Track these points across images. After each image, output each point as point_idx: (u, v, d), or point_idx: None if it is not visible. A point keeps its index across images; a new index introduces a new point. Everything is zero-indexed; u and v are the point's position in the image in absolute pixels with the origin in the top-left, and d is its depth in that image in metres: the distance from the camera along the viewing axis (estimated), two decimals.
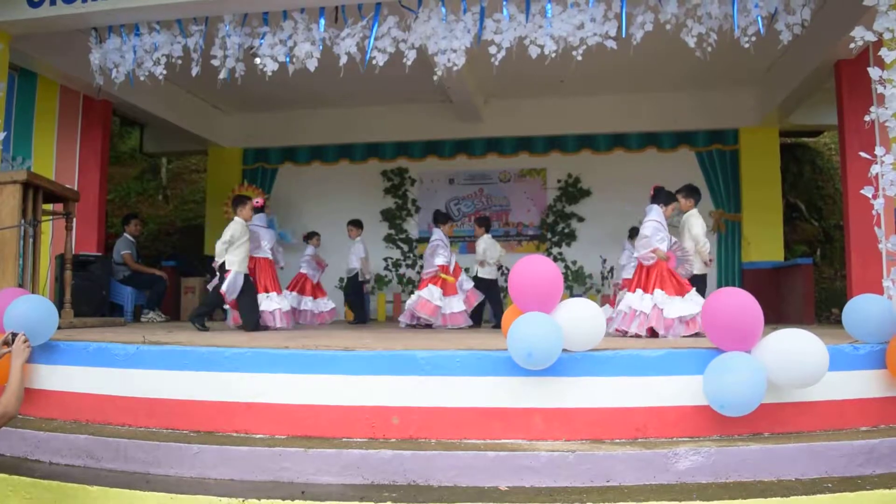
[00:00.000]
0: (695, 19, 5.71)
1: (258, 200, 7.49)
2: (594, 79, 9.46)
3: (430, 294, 7.92)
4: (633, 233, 7.99)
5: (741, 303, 3.95)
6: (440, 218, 8.44)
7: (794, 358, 3.81)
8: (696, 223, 6.49)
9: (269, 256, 7.38)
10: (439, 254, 8.23)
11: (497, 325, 8.00)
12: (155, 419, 4.30)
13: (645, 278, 5.88)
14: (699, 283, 6.29)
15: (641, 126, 10.61)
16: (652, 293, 5.71)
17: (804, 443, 3.75)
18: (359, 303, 9.21)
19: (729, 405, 3.81)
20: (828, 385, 4.00)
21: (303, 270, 9.27)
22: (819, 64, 7.55)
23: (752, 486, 3.54)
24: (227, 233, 6.78)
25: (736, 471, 3.63)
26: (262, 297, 7.07)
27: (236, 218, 6.96)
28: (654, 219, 6.07)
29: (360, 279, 9.17)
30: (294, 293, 8.94)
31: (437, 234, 8.43)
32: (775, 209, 10.18)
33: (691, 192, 6.58)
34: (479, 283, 8.47)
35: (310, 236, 9.58)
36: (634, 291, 5.89)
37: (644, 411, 3.99)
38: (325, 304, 9.16)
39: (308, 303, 9.01)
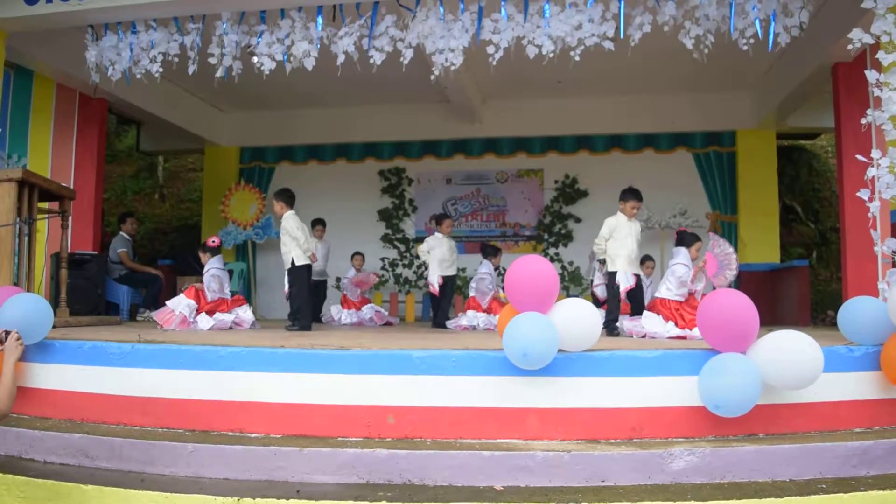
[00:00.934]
0: (693, 21, 5.72)
1: (214, 240, 7.43)
2: (592, 80, 9.47)
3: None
4: None
5: (737, 304, 3.97)
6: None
7: (790, 359, 3.82)
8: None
9: (229, 297, 7.31)
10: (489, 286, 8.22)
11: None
12: (150, 418, 4.29)
13: (686, 312, 5.89)
14: None
15: (639, 127, 10.63)
16: (692, 329, 5.67)
17: (799, 444, 3.76)
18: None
19: (724, 406, 3.82)
20: (823, 386, 4.01)
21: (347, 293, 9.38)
22: (816, 66, 7.57)
23: (747, 486, 3.55)
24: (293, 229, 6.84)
25: (731, 471, 3.64)
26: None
27: (288, 213, 6.97)
28: (682, 262, 6.14)
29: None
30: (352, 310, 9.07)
31: (486, 267, 8.34)
32: (772, 211, 10.21)
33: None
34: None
35: (353, 256, 9.58)
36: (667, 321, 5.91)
37: (639, 412, 3.99)
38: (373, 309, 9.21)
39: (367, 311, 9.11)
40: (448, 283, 8.19)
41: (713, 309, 4.05)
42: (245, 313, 7.12)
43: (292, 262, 6.84)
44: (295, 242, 6.82)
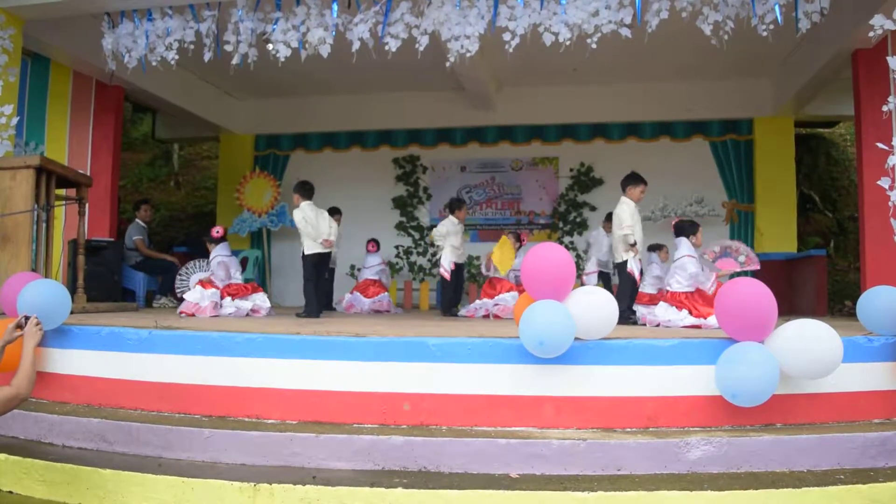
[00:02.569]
0: (711, 7, 5.66)
1: (218, 230, 7.46)
2: (608, 67, 9.40)
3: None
4: (652, 247, 7.96)
5: (756, 293, 3.93)
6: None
7: (808, 348, 3.79)
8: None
9: (241, 281, 7.36)
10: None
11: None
12: (167, 403, 4.33)
13: (697, 302, 5.87)
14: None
15: (655, 115, 10.56)
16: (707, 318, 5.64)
17: (817, 434, 3.74)
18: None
19: (741, 395, 3.79)
20: (841, 377, 3.98)
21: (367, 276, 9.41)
22: (836, 53, 7.47)
23: (764, 476, 3.53)
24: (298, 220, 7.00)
25: (748, 461, 3.63)
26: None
27: (303, 204, 7.05)
28: (687, 254, 6.08)
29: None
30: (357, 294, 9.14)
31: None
32: (789, 200, 10.12)
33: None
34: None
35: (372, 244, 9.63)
36: (681, 311, 5.87)
37: (656, 401, 3.98)
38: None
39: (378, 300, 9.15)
40: (459, 270, 8.18)
41: (731, 297, 4.01)
42: (262, 301, 7.16)
43: (302, 251, 7.04)
44: (303, 233, 7.02)
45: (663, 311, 5.87)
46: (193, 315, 6.54)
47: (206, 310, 6.60)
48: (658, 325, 5.81)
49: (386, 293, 9.25)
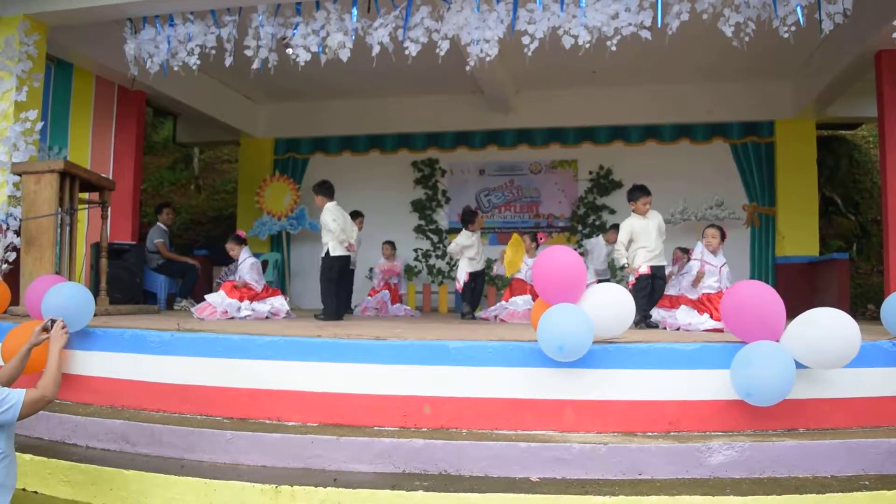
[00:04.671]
0: (732, 8, 5.61)
1: (241, 232, 7.54)
2: (627, 70, 9.36)
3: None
4: (681, 251, 7.94)
5: (759, 294, 3.95)
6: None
7: (822, 335, 3.77)
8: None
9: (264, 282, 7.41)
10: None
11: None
12: (189, 405, 4.37)
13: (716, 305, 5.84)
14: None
15: (675, 118, 10.49)
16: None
17: (840, 439, 3.71)
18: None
19: (756, 393, 3.76)
20: (865, 381, 3.95)
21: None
22: (859, 54, 7.39)
23: (787, 482, 3.51)
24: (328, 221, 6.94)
25: (770, 466, 3.60)
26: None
27: (328, 204, 7.04)
28: (696, 258, 6.20)
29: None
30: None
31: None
32: (811, 203, 10.02)
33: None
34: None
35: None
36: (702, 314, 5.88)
37: (677, 405, 3.97)
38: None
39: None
40: (477, 277, 8.21)
41: (734, 302, 4.05)
42: (280, 304, 7.19)
43: (327, 252, 6.95)
44: (331, 234, 6.91)
45: (684, 315, 5.84)
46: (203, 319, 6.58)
47: (215, 315, 6.62)
48: (678, 329, 5.77)
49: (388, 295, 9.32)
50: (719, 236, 6.22)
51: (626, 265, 6.25)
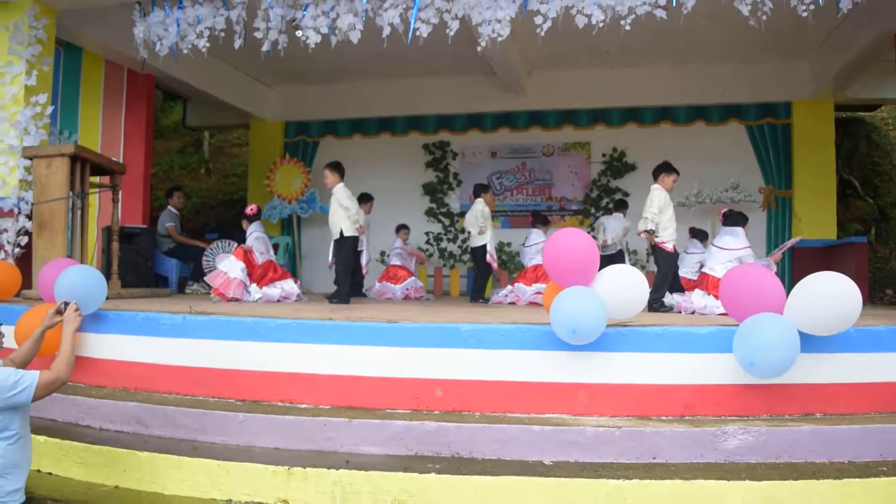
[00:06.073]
0: None
1: (252, 208, 7.64)
2: (641, 50, 9.28)
3: None
4: (695, 233, 7.84)
5: (759, 278, 3.96)
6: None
7: (823, 304, 3.72)
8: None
9: (274, 258, 7.47)
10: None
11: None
12: (202, 387, 4.40)
13: None
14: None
15: (689, 99, 10.38)
16: None
17: (858, 425, 3.68)
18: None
19: (759, 363, 3.71)
20: (883, 366, 3.92)
21: (393, 263, 9.47)
22: (878, 34, 7.30)
23: (804, 467, 3.50)
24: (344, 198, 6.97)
25: (787, 451, 3.59)
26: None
27: (340, 184, 7.07)
28: (747, 245, 6.18)
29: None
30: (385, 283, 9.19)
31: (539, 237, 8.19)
32: (828, 186, 9.91)
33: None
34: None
35: (399, 229, 9.73)
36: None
37: (692, 388, 3.95)
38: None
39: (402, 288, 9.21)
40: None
41: (731, 288, 4.05)
42: (291, 287, 7.23)
43: (340, 233, 6.94)
44: (346, 213, 6.92)
45: (699, 298, 5.83)
46: (221, 294, 6.64)
47: (232, 287, 6.67)
48: (693, 313, 5.75)
49: (413, 278, 9.30)
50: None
51: (652, 231, 6.11)
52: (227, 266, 6.86)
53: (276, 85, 11.59)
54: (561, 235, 4.25)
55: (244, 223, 7.54)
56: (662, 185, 6.24)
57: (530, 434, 3.69)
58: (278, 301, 6.99)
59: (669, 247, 6.08)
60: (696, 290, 5.96)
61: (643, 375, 3.99)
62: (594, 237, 7.35)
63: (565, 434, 3.67)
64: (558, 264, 4.22)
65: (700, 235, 7.67)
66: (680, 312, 5.90)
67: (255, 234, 7.32)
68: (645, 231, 6.11)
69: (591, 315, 3.85)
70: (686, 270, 7.01)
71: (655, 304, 5.92)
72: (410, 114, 11.34)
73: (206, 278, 7.06)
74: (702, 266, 6.61)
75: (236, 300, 6.70)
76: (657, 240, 6.09)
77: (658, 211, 6.10)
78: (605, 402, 3.97)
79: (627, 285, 4.11)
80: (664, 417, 3.90)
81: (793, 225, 9.98)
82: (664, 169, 6.32)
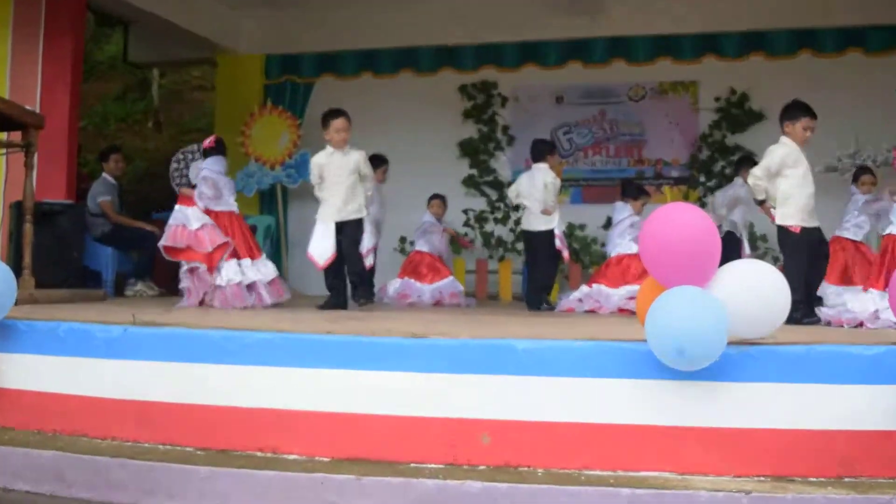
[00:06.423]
0: None
1: (211, 140, 7.64)
2: None
3: None
4: None
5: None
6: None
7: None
8: None
9: (236, 210, 7.42)
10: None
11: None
12: (149, 431, 4.39)
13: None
14: None
15: (839, 18, 10.27)
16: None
17: None
18: None
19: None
20: None
21: (420, 248, 9.50)
22: None
23: None
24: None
25: None
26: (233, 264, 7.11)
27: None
28: None
29: None
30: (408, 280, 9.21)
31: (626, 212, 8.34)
32: None
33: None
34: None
35: (431, 199, 9.73)
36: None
37: (852, 436, 3.88)
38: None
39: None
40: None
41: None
42: (267, 268, 7.20)
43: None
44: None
45: (862, 301, 5.68)
46: (186, 250, 6.80)
47: (204, 241, 6.79)
48: (861, 325, 5.58)
49: (450, 278, 9.24)
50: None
51: (766, 201, 6.06)
52: (177, 219, 6.89)
53: (254, 6, 11.59)
54: (666, 212, 4.18)
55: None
56: (792, 136, 6.10)
57: (617, 500, 3.63)
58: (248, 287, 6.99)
59: (797, 227, 5.94)
60: (870, 290, 5.78)
61: (780, 417, 3.92)
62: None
63: (668, 500, 3.61)
64: (661, 255, 4.14)
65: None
66: (842, 326, 5.72)
67: (203, 173, 7.29)
68: (758, 203, 6.05)
69: (708, 329, 3.77)
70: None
71: (797, 314, 5.75)
72: (441, 43, 11.34)
73: (160, 242, 7.01)
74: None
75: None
76: (778, 219, 5.99)
77: (770, 171, 6.01)
78: (725, 456, 3.90)
79: (763, 287, 4.04)
80: (812, 479, 3.82)
81: None
82: (792, 112, 6.18)
